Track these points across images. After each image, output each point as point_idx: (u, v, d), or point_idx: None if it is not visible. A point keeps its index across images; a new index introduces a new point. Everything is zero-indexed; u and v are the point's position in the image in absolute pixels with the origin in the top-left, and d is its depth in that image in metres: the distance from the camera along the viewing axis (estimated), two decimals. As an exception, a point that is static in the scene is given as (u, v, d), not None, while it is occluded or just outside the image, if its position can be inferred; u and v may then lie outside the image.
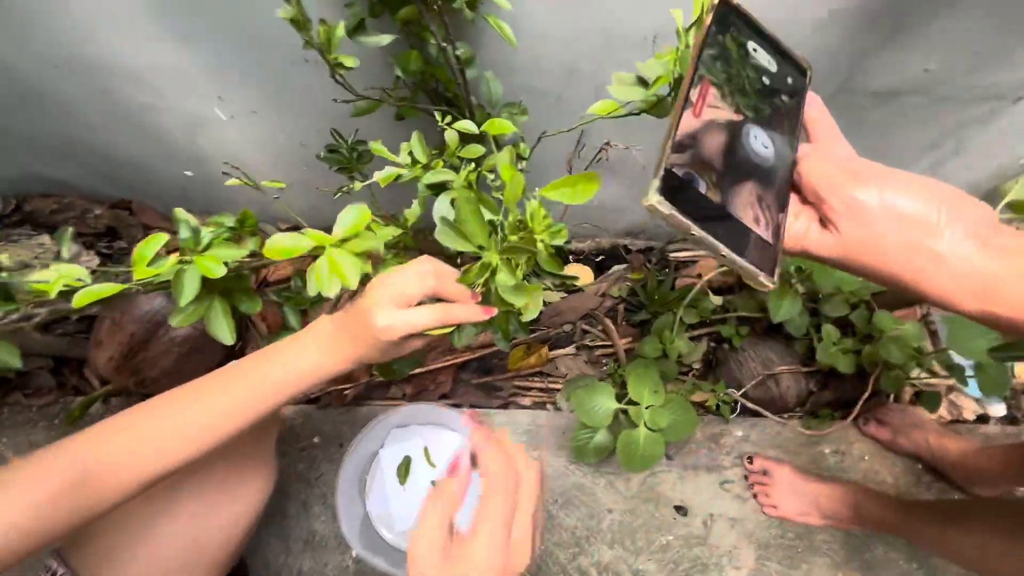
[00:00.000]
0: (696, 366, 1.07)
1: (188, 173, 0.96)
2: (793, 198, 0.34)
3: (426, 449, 0.92)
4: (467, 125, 0.47)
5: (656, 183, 0.29)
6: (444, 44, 0.51)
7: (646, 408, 0.72)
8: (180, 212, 0.46)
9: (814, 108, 0.36)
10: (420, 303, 0.45)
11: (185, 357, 0.92)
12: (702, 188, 0.30)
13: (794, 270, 0.95)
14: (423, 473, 0.91)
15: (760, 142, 0.33)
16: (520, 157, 0.58)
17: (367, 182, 0.56)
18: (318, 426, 0.95)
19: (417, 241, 0.70)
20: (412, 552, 0.33)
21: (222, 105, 0.80)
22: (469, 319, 0.46)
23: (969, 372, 0.81)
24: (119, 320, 0.88)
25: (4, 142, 0.90)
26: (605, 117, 0.56)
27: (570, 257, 1.18)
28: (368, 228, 0.44)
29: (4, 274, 0.44)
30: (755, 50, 0.36)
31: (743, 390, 0.99)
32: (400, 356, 0.47)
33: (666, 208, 0.28)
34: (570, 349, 1.07)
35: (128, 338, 0.88)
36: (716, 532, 0.90)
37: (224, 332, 0.49)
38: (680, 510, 0.92)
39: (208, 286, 0.50)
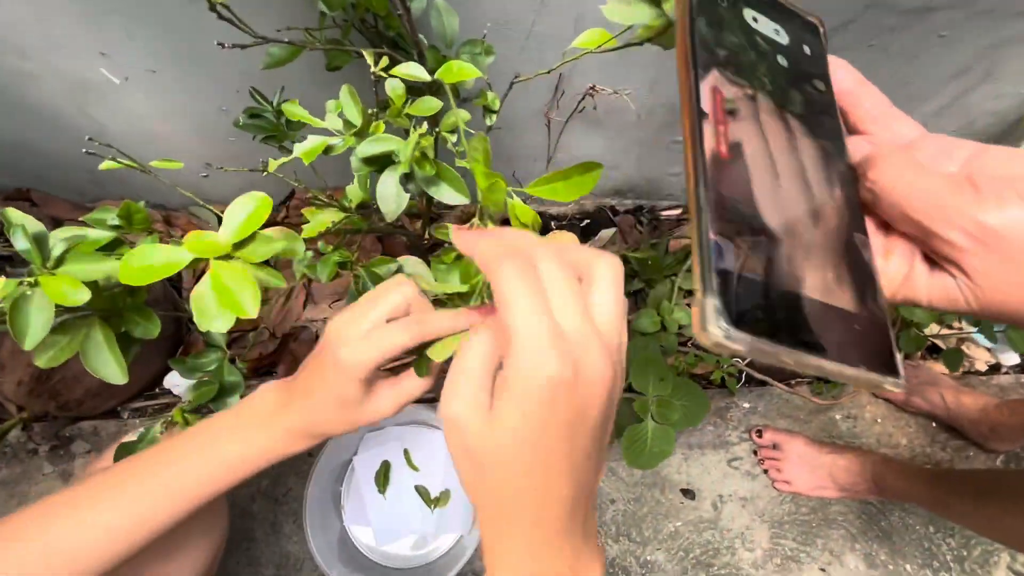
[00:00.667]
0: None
1: (88, 152, 0.80)
2: (868, 225, 0.22)
3: (406, 451, 0.83)
4: (412, 70, 0.34)
5: (712, 303, 0.17)
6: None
7: (653, 398, 0.62)
8: (13, 214, 0.33)
9: (847, 78, 0.24)
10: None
11: (114, 372, 0.79)
12: (771, 279, 0.19)
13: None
14: (405, 478, 0.82)
15: (807, 158, 0.22)
16: (488, 110, 0.45)
17: (289, 157, 0.43)
18: (281, 436, 0.84)
19: (369, 222, 0.58)
20: (447, 415, 0.22)
21: (108, 64, 0.63)
22: (456, 326, 0.33)
23: (998, 328, 0.74)
24: None
25: None
26: (595, 51, 0.43)
27: (552, 223, 1.06)
28: (281, 222, 0.31)
29: None
30: (755, 20, 0.23)
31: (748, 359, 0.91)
32: (369, 419, 0.35)
33: (741, 340, 0.17)
34: (558, 327, 0.97)
35: (38, 357, 0.74)
36: (727, 514, 0.84)
37: (112, 368, 0.37)
38: (687, 493, 0.85)
39: (78, 309, 0.37)
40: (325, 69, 0.55)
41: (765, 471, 0.87)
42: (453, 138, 0.42)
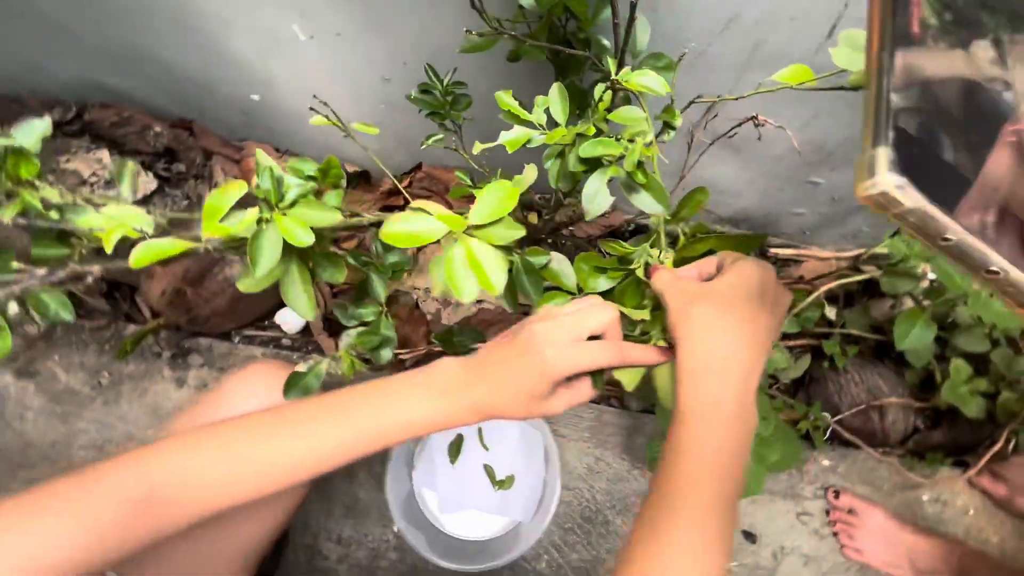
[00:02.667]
0: (786, 380, 0.95)
1: (255, 97, 0.87)
2: None
3: (480, 430, 0.86)
4: (648, 80, 0.35)
5: (885, 152, 0.16)
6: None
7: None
8: (261, 155, 0.37)
9: None
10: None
11: (239, 299, 0.86)
12: (949, 157, 0.18)
13: (922, 293, 0.81)
14: (474, 455, 0.85)
15: (999, 70, 0.20)
16: (668, 125, 0.46)
17: (486, 145, 0.45)
18: (369, 389, 0.90)
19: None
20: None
21: (303, 22, 0.69)
22: (646, 360, 0.40)
23: None
24: (203, 252, 0.82)
25: (67, 45, 0.82)
26: (794, 87, 0.43)
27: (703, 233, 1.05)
28: (406, 189, 0.33)
29: (54, 213, 0.36)
30: None
31: (839, 416, 0.87)
32: (544, 413, 0.39)
33: (911, 197, 0.16)
34: (646, 342, 0.96)
35: (183, 272, 0.82)
36: (786, 567, 0.82)
37: (303, 304, 0.41)
38: (749, 536, 0.83)
39: (284, 247, 0.42)
40: (506, 59, 0.57)
41: (835, 534, 0.83)
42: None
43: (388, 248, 0.55)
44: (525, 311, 1.01)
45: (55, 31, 0.79)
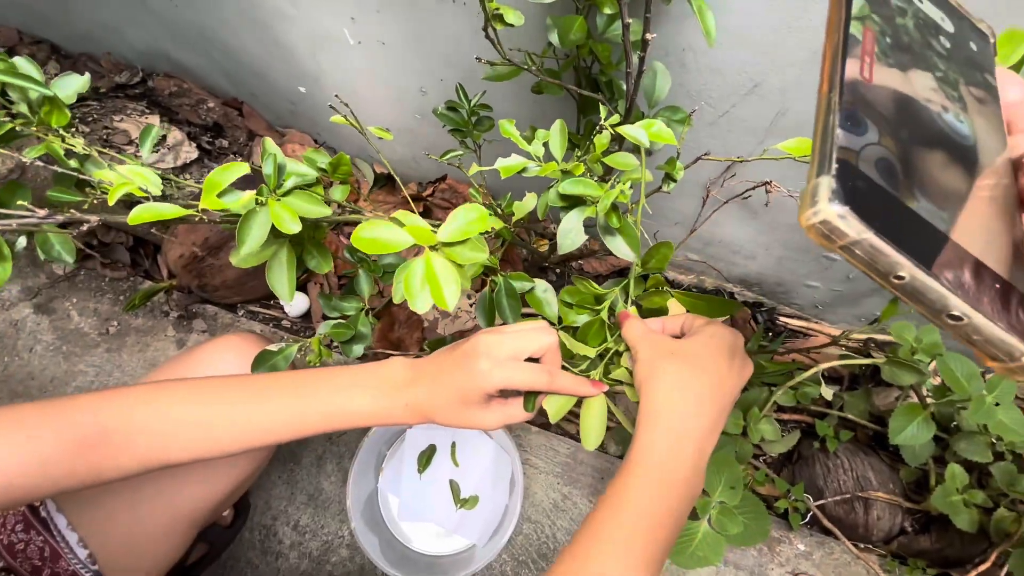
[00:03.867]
0: (772, 454, 0.92)
1: (302, 89, 0.92)
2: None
3: (454, 445, 0.86)
4: (635, 132, 0.36)
5: (828, 181, 0.16)
6: (627, 20, 0.40)
7: (717, 502, 0.60)
8: (269, 143, 0.39)
9: (1014, 88, 0.23)
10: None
11: (249, 275, 0.90)
12: (895, 190, 0.17)
13: (930, 389, 0.78)
14: (444, 468, 0.85)
15: (953, 117, 0.21)
16: (670, 177, 0.46)
17: (487, 167, 0.47)
18: (355, 384, 0.91)
19: (511, 235, 0.61)
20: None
21: (353, 27, 0.73)
22: (576, 391, 0.41)
23: None
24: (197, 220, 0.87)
25: (146, 17, 0.89)
26: (796, 159, 0.43)
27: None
28: (425, 199, 0.35)
29: (75, 162, 0.39)
30: (921, 1, 0.23)
31: (822, 502, 0.84)
32: (476, 424, 0.40)
33: (854, 227, 0.16)
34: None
35: (202, 240, 0.86)
36: (741, 648, 0.78)
37: (283, 287, 0.43)
38: (706, 608, 0.80)
39: (278, 231, 0.44)
40: (530, 90, 0.59)
41: (798, 625, 0.79)
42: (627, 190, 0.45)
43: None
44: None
45: (138, 3, 0.86)
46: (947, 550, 0.82)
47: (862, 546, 0.84)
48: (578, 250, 1.02)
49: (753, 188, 0.67)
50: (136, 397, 0.38)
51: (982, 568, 0.73)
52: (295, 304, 0.94)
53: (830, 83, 0.19)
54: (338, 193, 0.50)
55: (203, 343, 0.55)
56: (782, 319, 1.01)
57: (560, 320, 0.50)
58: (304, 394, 0.40)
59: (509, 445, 0.80)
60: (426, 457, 0.85)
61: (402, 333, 0.94)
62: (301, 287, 0.98)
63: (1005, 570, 0.81)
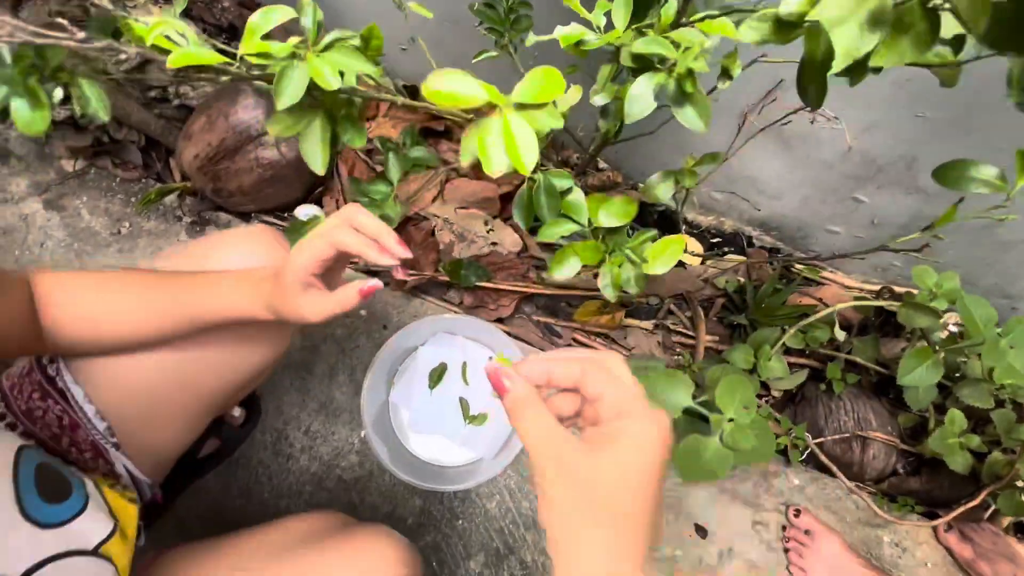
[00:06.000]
0: (776, 393, 0.94)
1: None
2: None
3: (465, 364, 0.87)
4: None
5: None
6: None
7: (728, 421, 0.61)
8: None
9: None
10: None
11: (266, 182, 0.88)
12: None
13: (945, 338, 0.78)
14: (454, 386, 0.86)
15: None
16: (726, 73, 0.44)
17: (541, 38, 0.45)
18: (369, 302, 0.91)
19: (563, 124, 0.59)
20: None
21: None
22: (378, 262, 0.40)
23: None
24: (214, 120, 0.84)
25: None
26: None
27: (682, 227, 1.04)
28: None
29: (107, 2, 0.37)
30: None
31: (821, 440, 0.86)
32: (300, 313, 0.42)
33: None
34: (647, 324, 0.96)
35: (218, 141, 0.84)
36: (730, 569, 0.82)
37: (316, 158, 0.42)
38: (700, 531, 0.83)
39: (314, 100, 0.42)
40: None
41: (786, 550, 0.83)
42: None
43: (415, 143, 0.55)
44: (537, 263, 1.01)
45: None
46: (935, 491, 0.85)
47: (856, 484, 0.87)
48: (600, 181, 0.99)
49: (795, 112, 0.64)
50: (74, 279, 0.44)
51: (970, 504, 0.76)
52: (307, 214, 0.93)
53: None
54: (368, 66, 0.47)
55: (221, 232, 0.54)
56: (797, 266, 1.01)
57: (590, 223, 0.50)
58: (185, 290, 0.45)
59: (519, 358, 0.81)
60: (437, 374, 0.86)
61: (418, 254, 0.93)
62: (317, 201, 0.96)
63: (991, 511, 0.84)
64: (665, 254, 0.45)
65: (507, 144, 0.30)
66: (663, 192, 0.51)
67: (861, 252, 0.68)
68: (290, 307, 0.41)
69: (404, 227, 0.94)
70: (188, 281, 0.46)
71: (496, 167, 0.30)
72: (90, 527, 0.39)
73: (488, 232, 0.97)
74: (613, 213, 0.47)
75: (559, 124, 0.31)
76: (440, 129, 0.97)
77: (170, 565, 0.48)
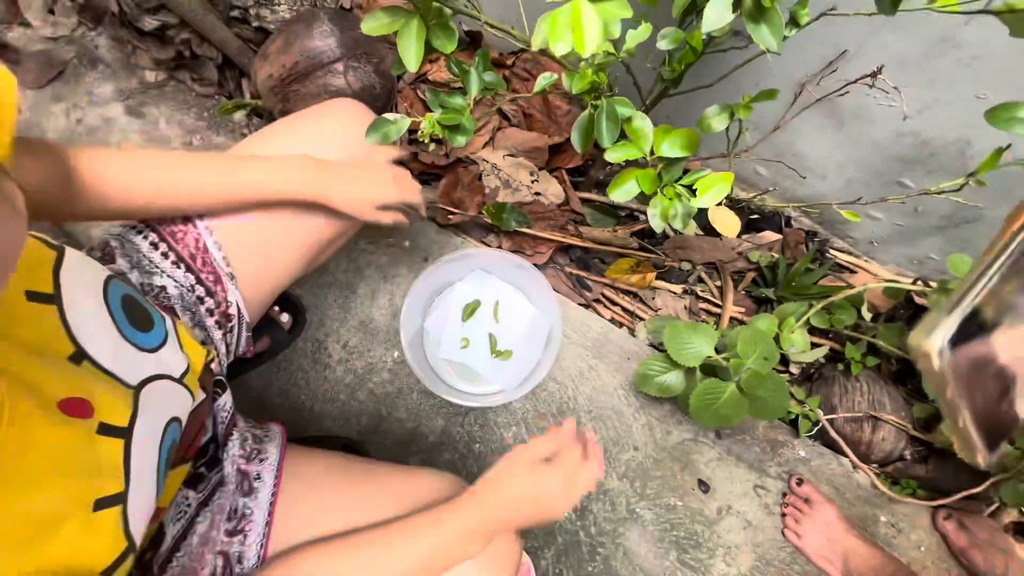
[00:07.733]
0: (794, 369, 0.96)
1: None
2: None
3: (497, 303, 0.91)
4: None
5: (948, 324, 0.24)
6: None
7: (747, 368, 0.64)
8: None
9: None
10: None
11: (330, 109, 0.92)
12: (990, 343, 0.26)
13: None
14: (484, 322, 0.90)
15: None
16: (794, 21, 0.47)
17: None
18: (413, 235, 0.96)
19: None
20: (511, 459, 0.51)
21: None
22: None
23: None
24: (291, 44, 0.89)
25: None
26: (938, 9, 0.43)
27: (723, 200, 1.05)
28: None
29: None
30: None
31: (833, 416, 0.88)
32: (375, 218, 0.58)
33: (938, 363, 0.24)
34: (677, 287, 0.99)
35: (292, 64, 0.89)
36: (726, 524, 0.86)
37: (410, 55, 0.46)
38: (703, 485, 0.87)
39: (410, 4, 0.46)
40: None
41: (783, 515, 0.86)
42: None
43: (487, 68, 0.59)
44: (576, 217, 1.03)
45: None
46: (939, 480, 0.87)
47: (859, 461, 0.89)
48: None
49: (855, 81, 0.66)
50: (120, 155, 0.47)
51: (974, 491, 0.78)
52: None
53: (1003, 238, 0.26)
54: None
55: (312, 106, 0.59)
56: (832, 251, 1.02)
57: (653, 151, 0.53)
58: (242, 169, 0.51)
59: (553, 305, 0.85)
60: (470, 309, 0.91)
61: (464, 195, 0.97)
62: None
63: (995, 506, 0.86)
64: (714, 188, 0.48)
65: (575, 28, 0.34)
66: (718, 123, 0.54)
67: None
68: (339, 197, 0.54)
69: (454, 167, 0.98)
70: (247, 164, 0.52)
71: (560, 48, 0.34)
72: (172, 358, 0.44)
73: (532, 182, 1.00)
74: (676, 144, 0.50)
75: (627, 13, 0.35)
76: (508, 63, 1.01)
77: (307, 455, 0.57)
